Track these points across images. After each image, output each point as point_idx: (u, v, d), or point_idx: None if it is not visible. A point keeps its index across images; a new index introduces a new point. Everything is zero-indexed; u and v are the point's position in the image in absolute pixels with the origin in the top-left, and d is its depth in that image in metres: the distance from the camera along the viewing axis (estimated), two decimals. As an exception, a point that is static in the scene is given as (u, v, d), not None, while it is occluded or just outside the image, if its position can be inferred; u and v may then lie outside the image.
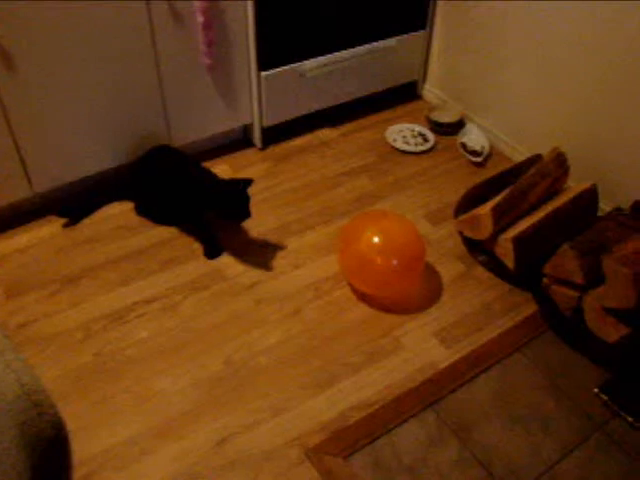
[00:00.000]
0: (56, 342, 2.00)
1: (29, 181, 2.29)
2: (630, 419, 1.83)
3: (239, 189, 2.14)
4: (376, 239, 2.03)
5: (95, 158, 2.40)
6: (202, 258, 2.28)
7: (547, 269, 2.05)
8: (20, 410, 0.68)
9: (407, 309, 2.13)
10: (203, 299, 2.15)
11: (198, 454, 1.74)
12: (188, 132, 2.57)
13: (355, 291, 2.19)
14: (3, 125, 2.12)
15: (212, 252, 2.31)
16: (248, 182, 2.16)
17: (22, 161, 2.23)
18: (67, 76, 2.16)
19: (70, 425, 1.75)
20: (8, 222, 2.39)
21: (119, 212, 2.46)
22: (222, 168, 2.68)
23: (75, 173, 2.40)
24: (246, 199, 2.16)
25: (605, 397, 1.88)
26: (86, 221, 2.41)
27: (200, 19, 2.26)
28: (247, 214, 2.19)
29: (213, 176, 2.24)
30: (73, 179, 2.41)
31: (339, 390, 1.90)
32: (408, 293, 2.20)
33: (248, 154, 2.78)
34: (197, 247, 2.33)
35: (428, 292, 2.21)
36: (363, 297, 2.17)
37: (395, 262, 2.02)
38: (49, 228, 2.39)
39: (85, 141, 2.33)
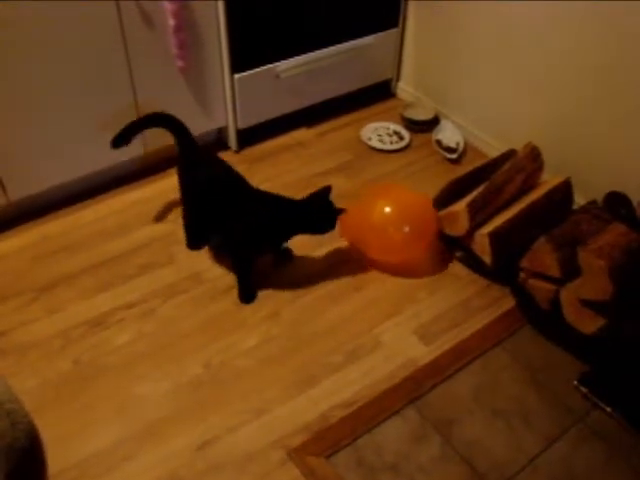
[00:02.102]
0: (34, 350, 1.98)
1: (3, 189, 2.27)
2: (609, 409, 1.85)
3: (328, 200, 2.05)
4: (388, 209, 2.17)
5: (69, 165, 2.38)
6: (180, 262, 2.27)
7: (524, 263, 2.06)
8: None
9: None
10: (182, 303, 2.14)
11: (181, 458, 1.73)
12: (163, 136, 2.55)
13: (333, 291, 2.19)
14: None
15: (248, 297, 2.18)
16: (329, 190, 2.05)
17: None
18: (38, 81, 2.14)
19: (51, 433, 1.73)
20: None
21: (94, 219, 2.44)
22: (198, 171, 2.67)
23: (50, 180, 2.38)
24: (334, 208, 2.07)
25: (584, 389, 1.90)
26: (62, 229, 2.39)
27: (171, 22, 2.25)
28: (335, 222, 2.08)
29: (278, 196, 2.08)
30: (48, 186, 2.39)
31: (320, 390, 1.90)
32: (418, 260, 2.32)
33: (224, 156, 2.76)
34: (175, 250, 2.31)
35: (407, 289, 2.21)
36: (342, 296, 2.18)
37: (407, 229, 2.14)
38: (24, 237, 2.36)
39: (58, 148, 2.31)
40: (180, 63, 2.38)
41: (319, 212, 2.04)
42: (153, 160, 2.67)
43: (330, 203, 2.05)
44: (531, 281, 2.05)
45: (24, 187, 2.33)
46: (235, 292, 2.17)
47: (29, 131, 2.21)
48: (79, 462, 1.71)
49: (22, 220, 2.43)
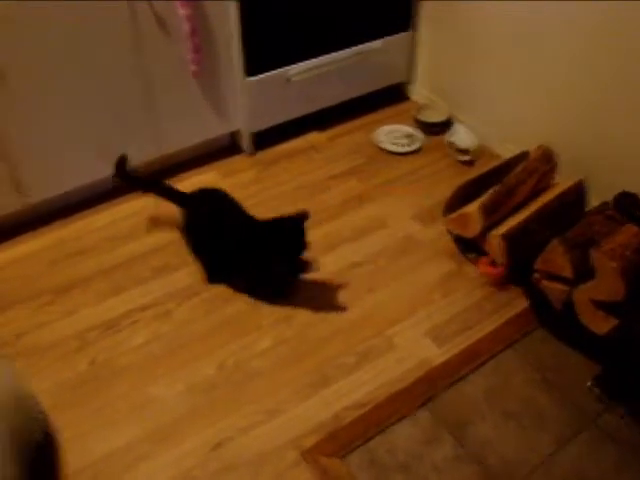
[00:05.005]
0: (51, 352, 2.01)
1: (22, 192, 2.30)
2: (622, 411, 1.84)
3: (300, 224, 2.03)
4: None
5: (86, 168, 2.41)
6: (194, 264, 2.28)
7: (537, 264, 2.06)
8: (11, 416, 0.69)
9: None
10: (196, 305, 2.16)
11: (195, 459, 1.74)
12: (177, 139, 2.58)
13: (346, 293, 2.20)
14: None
15: (279, 292, 2.21)
16: (305, 216, 2.03)
17: (12, 173, 2.24)
18: (55, 87, 2.16)
19: (67, 433, 1.75)
20: (-1, 234, 2.41)
21: (110, 222, 2.46)
22: (211, 175, 2.70)
23: (66, 184, 2.41)
24: (304, 232, 2.05)
25: (598, 390, 1.90)
26: (76, 233, 2.42)
27: (185, 26, 2.27)
28: (305, 246, 2.09)
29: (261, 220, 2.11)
30: (64, 190, 2.42)
31: (333, 391, 1.91)
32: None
33: (237, 160, 2.79)
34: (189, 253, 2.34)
35: (420, 291, 2.22)
36: (354, 298, 2.19)
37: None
38: (40, 240, 2.39)
39: (76, 151, 2.34)
40: (194, 67, 2.40)
41: (289, 237, 2.03)
42: (167, 163, 2.69)
43: (301, 231, 2.03)
44: (544, 282, 2.05)
45: (42, 190, 2.36)
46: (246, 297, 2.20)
47: (47, 134, 2.24)
48: (94, 462, 1.73)
49: (39, 223, 2.45)
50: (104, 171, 2.45)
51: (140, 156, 2.49)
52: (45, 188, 2.36)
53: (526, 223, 2.14)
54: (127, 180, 2.28)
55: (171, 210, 2.25)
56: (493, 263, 2.21)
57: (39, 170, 2.29)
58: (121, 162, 2.22)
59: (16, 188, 2.28)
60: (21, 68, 2.07)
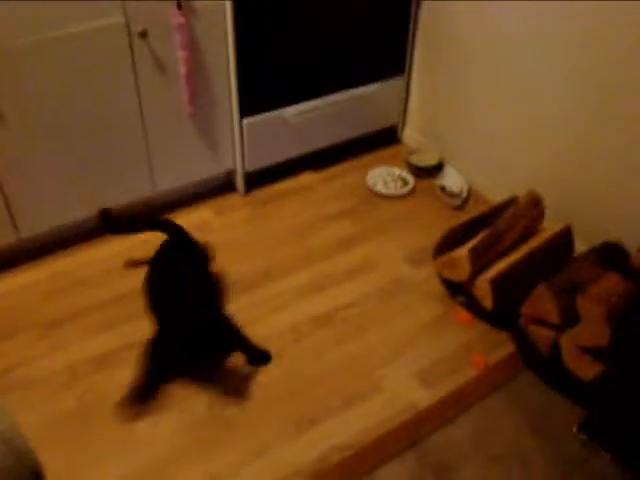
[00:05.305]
0: (40, 386, 2.01)
1: (15, 226, 2.32)
2: (609, 456, 1.85)
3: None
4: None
5: (81, 203, 2.43)
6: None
7: (524, 309, 2.09)
8: (0, 457, 0.70)
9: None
10: (186, 343, 2.17)
11: (180, 498, 1.74)
12: (171, 178, 2.61)
13: (335, 334, 2.22)
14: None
15: (260, 358, 2.14)
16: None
17: (8, 207, 2.26)
18: (52, 124, 2.20)
19: (53, 470, 1.75)
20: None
21: (106, 256, 2.48)
22: (205, 213, 2.73)
23: (61, 218, 2.44)
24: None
25: (584, 436, 1.90)
26: (72, 265, 2.44)
27: (183, 69, 2.32)
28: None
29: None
30: (59, 224, 2.45)
31: (320, 432, 1.91)
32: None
33: (231, 199, 2.83)
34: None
35: (408, 333, 2.23)
36: (343, 339, 2.20)
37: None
38: (35, 273, 2.41)
39: (70, 187, 2.37)
40: (190, 109, 2.44)
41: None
42: (161, 200, 2.72)
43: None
44: (532, 327, 2.07)
45: (35, 224, 2.38)
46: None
47: (43, 171, 2.28)
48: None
49: (33, 256, 2.47)
50: (100, 206, 2.48)
51: (134, 193, 2.52)
52: (40, 222, 2.39)
53: (514, 268, 2.16)
54: (116, 230, 2.31)
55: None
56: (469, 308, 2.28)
57: (34, 204, 2.32)
58: (105, 217, 2.20)
59: (11, 221, 2.30)
60: (19, 109, 2.11)
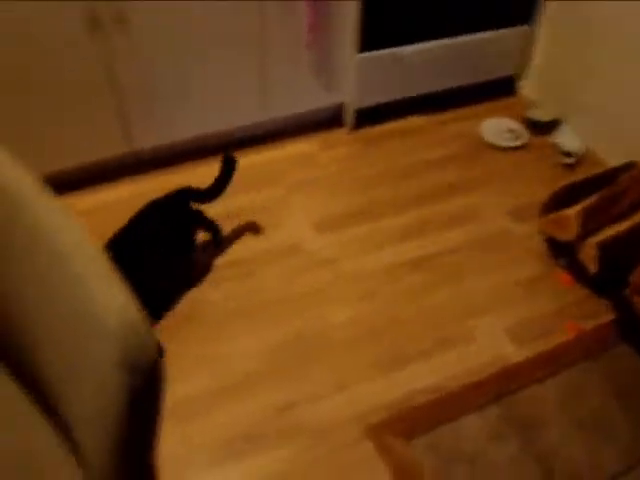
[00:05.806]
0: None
1: (130, 137, 2.39)
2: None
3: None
4: None
5: (197, 120, 2.49)
6: (285, 228, 2.32)
7: (632, 278, 2.01)
8: (123, 337, 0.73)
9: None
10: (283, 270, 2.20)
11: (258, 416, 1.79)
12: (283, 105, 2.61)
13: (430, 278, 2.20)
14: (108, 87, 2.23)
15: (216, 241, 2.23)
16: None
17: (123, 116, 2.33)
18: (178, 52, 2.25)
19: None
20: (103, 176, 2.50)
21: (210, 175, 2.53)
22: (310, 146, 2.73)
23: (177, 134, 2.50)
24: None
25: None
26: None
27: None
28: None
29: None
30: (174, 139, 2.51)
31: (406, 373, 1.92)
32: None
33: (338, 134, 2.81)
34: (285, 214, 2.36)
35: (505, 288, 2.19)
36: (439, 284, 2.18)
37: None
38: (143, 184, 2.48)
39: (189, 102, 2.42)
40: (309, 38, 2.42)
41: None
42: (270, 129, 2.74)
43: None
44: (637, 298, 2.00)
45: (150, 138, 2.45)
46: (337, 265, 2.22)
47: (165, 86, 2.33)
48: (172, 406, 1.80)
49: (144, 169, 2.55)
50: (214, 126, 2.52)
51: (246, 117, 2.54)
52: (155, 136, 2.45)
53: (625, 234, 2.08)
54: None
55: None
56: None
57: (150, 117, 2.38)
58: (227, 161, 2.20)
59: (124, 132, 2.37)
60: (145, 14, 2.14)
